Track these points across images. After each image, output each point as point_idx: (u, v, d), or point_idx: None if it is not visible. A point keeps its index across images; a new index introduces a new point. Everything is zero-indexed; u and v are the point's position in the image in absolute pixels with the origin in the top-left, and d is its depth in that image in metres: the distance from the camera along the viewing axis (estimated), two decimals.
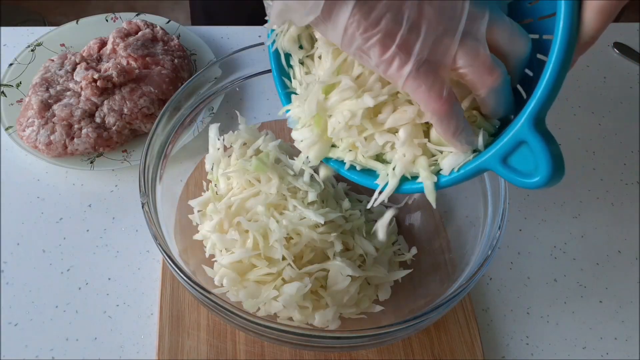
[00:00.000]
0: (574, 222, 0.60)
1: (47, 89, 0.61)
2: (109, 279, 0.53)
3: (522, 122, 0.31)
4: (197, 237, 0.49)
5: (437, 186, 0.37)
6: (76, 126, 0.58)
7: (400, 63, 0.33)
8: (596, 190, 0.62)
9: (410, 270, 0.49)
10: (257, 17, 0.55)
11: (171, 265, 0.40)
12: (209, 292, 0.39)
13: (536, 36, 0.36)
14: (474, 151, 0.36)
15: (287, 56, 0.41)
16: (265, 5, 0.35)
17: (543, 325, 0.53)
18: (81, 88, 0.60)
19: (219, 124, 0.53)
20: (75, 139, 0.58)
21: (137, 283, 0.53)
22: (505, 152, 0.32)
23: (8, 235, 0.55)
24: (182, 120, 0.51)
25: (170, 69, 0.64)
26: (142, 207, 0.43)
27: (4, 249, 0.54)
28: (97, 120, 0.59)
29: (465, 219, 0.51)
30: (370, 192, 0.38)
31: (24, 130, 0.59)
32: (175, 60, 0.65)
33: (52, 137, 0.58)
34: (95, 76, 0.59)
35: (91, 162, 0.59)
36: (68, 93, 0.61)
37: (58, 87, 0.61)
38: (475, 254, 0.45)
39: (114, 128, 0.59)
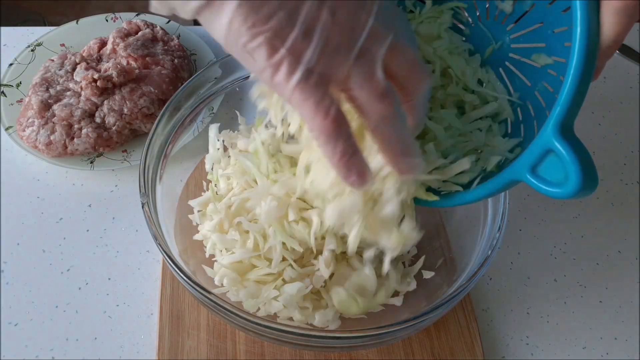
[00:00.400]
0: (574, 222, 0.60)
1: (47, 89, 0.61)
2: (109, 279, 0.53)
3: (548, 128, 0.30)
4: (197, 237, 0.49)
5: (463, 201, 0.37)
6: (76, 126, 0.58)
7: (289, 70, 0.29)
8: (596, 190, 0.62)
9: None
10: None
11: (171, 265, 0.40)
12: (209, 292, 0.39)
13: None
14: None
15: None
16: None
17: (543, 325, 0.53)
18: (81, 88, 0.60)
19: (219, 124, 0.53)
20: (75, 139, 0.58)
21: (137, 283, 0.53)
22: (534, 161, 0.31)
23: (8, 235, 0.55)
24: (182, 120, 0.51)
25: (170, 69, 0.64)
26: (142, 207, 0.43)
27: (4, 249, 0.54)
28: (97, 120, 0.59)
29: (465, 219, 0.51)
30: None
31: (24, 130, 0.59)
32: (175, 60, 0.65)
33: (52, 137, 0.58)
34: (95, 76, 0.59)
35: (91, 162, 0.59)
36: (68, 93, 0.61)
37: (58, 87, 0.61)
38: (475, 253, 0.45)
39: (114, 128, 0.59)
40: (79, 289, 0.52)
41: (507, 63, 0.41)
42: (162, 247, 0.41)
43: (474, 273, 0.41)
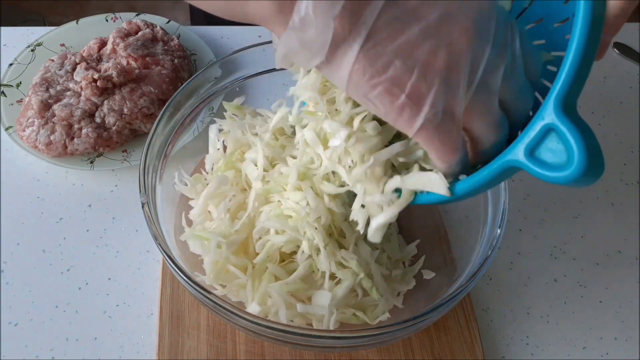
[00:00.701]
0: (574, 222, 0.60)
1: (47, 89, 0.61)
2: (109, 279, 0.53)
3: (548, 105, 0.27)
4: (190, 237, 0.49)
5: (455, 195, 0.34)
6: (76, 126, 0.58)
7: (411, 114, 0.30)
8: (596, 190, 0.62)
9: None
10: None
11: (171, 265, 0.40)
12: (209, 292, 0.39)
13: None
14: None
15: None
16: (273, 45, 0.33)
17: (543, 325, 0.53)
18: (81, 88, 0.60)
19: (218, 124, 0.53)
20: (75, 139, 0.58)
21: (137, 283, 0.53)
22: (532, 143, 0.29)
23: (8, 235, 0.55)
24: (182, 120, 0.51)
25: (170, 69, 0.64)
26: (142, 207, 0.43)
27: (4, 249, 0.54)
28: (97, 120, 0.59)
29: (465, 219, 0.51)
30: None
31: (24, 130, 0.59)
32: (175, 60, 0.65)
33: (52, 137, 0.58)
34: (95, 76, 0.59)
35: (91, 162, 0.59)
36: (68, 93, 0.61)
37: (58, 87, 0.61)
38: (475, 253, 0.45)
39: (114, 128, 0.59)
40: (79, 289, 0.52)
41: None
42: (162, 247, 0.41)
43: (474, 273, 0.41)
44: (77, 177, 0.59)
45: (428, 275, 0.48)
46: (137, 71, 0.62)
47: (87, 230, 0.56)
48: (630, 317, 0.54)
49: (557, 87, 0.28)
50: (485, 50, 0.30)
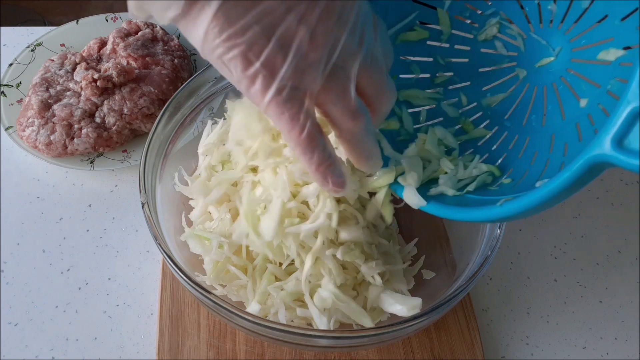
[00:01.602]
0: (574, 222, 0.60)
1: (47, 89, 0.61)
2: (109, 279, 0.53)
3: (631, 88, 0.25)
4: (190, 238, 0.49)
5: (539, 204, 0.30)
6: (76, 126, 0.58)
7: (264, 84, 0.30)
8: (596, 190, 0.62)
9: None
10: None
11: (171, 265, 0.40)
12: (209, 292, 0.39)
13: None
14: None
15: None
16: None
17: (543, 325, 0.53)
18: (81, 88, 0.60)
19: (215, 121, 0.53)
20: (75, 139, 0.58)
21: (137, 283, 0.53)
22: (620, 131, 0.26)
23: (8, 235, 0.55)
24: (182, 120, 0.51)
25: (170, 69, 0.64)
26: (142, 207, 0.43)
27: (4, 249, 0.54)
28: (97, 120, 0.59)
29: None
30: None
31: (23, 130, 0.59)
32: (175, 60, 0.65)
33: (52, 137, 0.58)
34: (95, 76, 0.59)
35: (91, 162, 0.59)
36: (68, 93, 0.61)
37: (58, 87, 0.61)
38: (475, 253, 0.45)
39: (114, 128, 0.59)
40: (79, 289, 0.52)
41: (568, 70, 0.38)
42: (162, 247, 0.41)
43: (474, 273, 0.41)
44: (77, 177, 0.59)
45: (428, 275, 0.48)
46: (137, 71, 0.62)
47: (87, 230, 0.56)
48: (630, 317, 0.54)
49: None
50: (343, 34, 0.30)
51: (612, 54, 0.34)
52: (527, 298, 0.54)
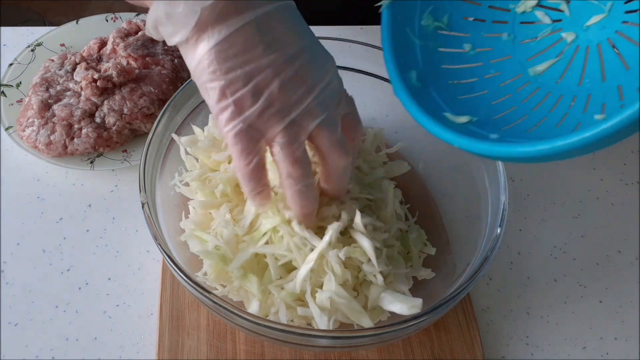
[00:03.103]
0: (574, 222, 0.60)
1: (47, 89, 0.61)
2: (109, 279, 0.53)
3: None
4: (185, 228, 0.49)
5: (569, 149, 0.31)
6: (76, 126, 0.58)
7: (230, 116, 0.36)
8: (596, 190, 0.62)
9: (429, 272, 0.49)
10: None
11: (171, 265, 0.40)
12: (209, 292, 0.39)
13: None
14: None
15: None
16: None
17: (543, 325, 0.53)
18: (81, 88, 0.60)
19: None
20: (75, 139, 0.58)
21: (137, 283, 0.53)
22: None
23: (8, 235, 0.55)
24: (182, 121, 0.51)
25: (170, 69, 0.64)
26: (142, 207, 0.43)
27: (4, 249, 0.54)
28: (97, 120, 0.59)
29: (465, 219, 0.51)
30: None
31: (23, 130, 0.59)
32: (175, 60, 0.65)
33: (52, 137, 0.58)
34: (95, 76, 0.59)
35: (91, 162, 0.59)
36: (68, 93, 0.61)
37: (58, 87, 0.61)
38: (475, 254, 0.45)
39: (114, 128, 0.59)
40: (79, 289, 0.52)
41: (616, 31, 0.38)
42: (162, 247, 0.41)
43: (474, 273, 0.41)
44: (77, 177, 0.59)
45: (428, 275, 0.48)
46: (137, 71, 0.62)
47: (87, 230, 0.56)
48: (631, 317, 0.54)
49: None
50: (309, 98, 0.37)
51: None
52: (527, 298, 0.54)
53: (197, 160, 0.51)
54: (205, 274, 0.46)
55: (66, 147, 0.58)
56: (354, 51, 0.54)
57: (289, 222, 0.44)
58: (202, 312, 0.50)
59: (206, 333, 0.49)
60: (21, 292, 0.51)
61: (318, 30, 0.42)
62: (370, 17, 0.77)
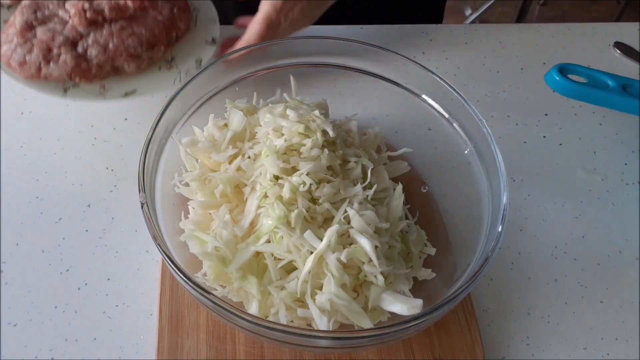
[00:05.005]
0: (575, 222, 0.60)
1: (35, 12, 0.59)
2: (109, 279, 0.53)
3: None
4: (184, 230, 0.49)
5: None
6: (55, 51, 0.56)
7: None
8: (596, 190, 0.62)
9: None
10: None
11: (170, 266, 0.40)
12: (209, 293, 0.39)
13: None
14: None
15: None
16: None
17: (544, 326, 0.53)
18: (69, 16, 0.58)
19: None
20: (51, 63, 0.56)
21: (137, 283, 0.52)
22: None
23: (7, 235, 0.55)
24: (182, 120, 0.51)
25: (167, 17, 0.61)
26: (142, 207, 0.43)
27: (4, 249, 0.54)
28: (79, 50, 0.57)
29: (466, 219, 0.51)
30: None
31: (1, 47, 0.57)
32: (175, 10, 0.62)
33: (27, 57, 0.56)
34: (86, 6, 0.57)
35: (65, 91, 0.57)
36: (55, 19, 0.59)
37: (46, 12, 0.59)
38: (476, 254, 0.45)
39: (94, 61, 0.57)
40: (78, 289, 0.52)
41: None
42: (161, 248, 0.41)
43: (474, 273, 0.41)
44: (76, 178, 0.59)
45: (428, 275, 0.48)
46: (132, 11, 0.60)
47: (87, 231, 0.56)
48: (631, 318, 0.53)
49: None
50: None
51: None
52: (527, 298, 0.54)
53: (196, 160, 0.51)
54: (204, 274, 0.46)
55: (40, 70, 0.56)
56: (354, 51, 0.54)
57: (288, 222, 0.44)
58: (201, 312, 0.50)
59: (206, 334, 0.49)
60: (20, 293, 0.51)
61: (318, 30, 0.42)
62: (370, 17, 0.77)
